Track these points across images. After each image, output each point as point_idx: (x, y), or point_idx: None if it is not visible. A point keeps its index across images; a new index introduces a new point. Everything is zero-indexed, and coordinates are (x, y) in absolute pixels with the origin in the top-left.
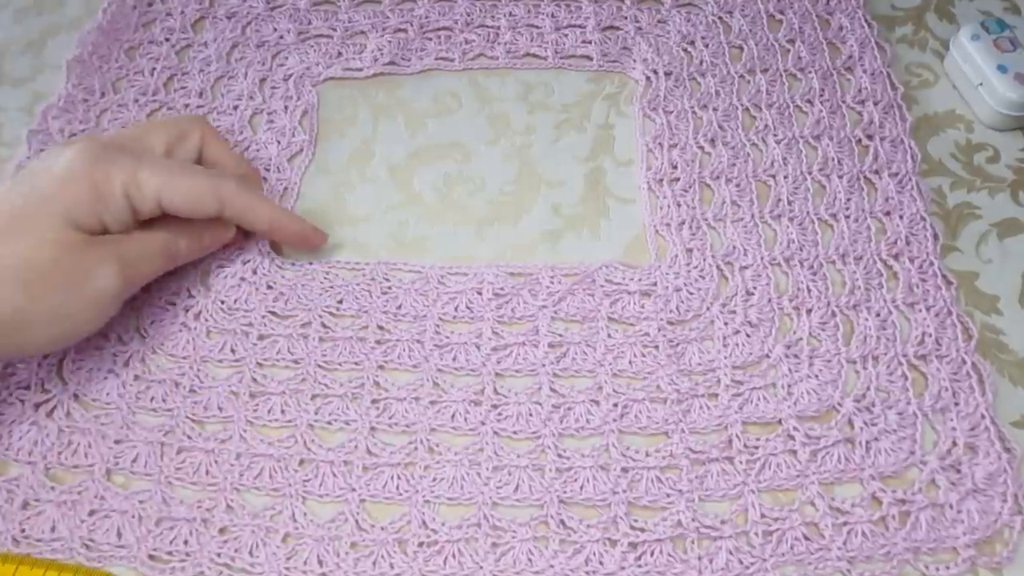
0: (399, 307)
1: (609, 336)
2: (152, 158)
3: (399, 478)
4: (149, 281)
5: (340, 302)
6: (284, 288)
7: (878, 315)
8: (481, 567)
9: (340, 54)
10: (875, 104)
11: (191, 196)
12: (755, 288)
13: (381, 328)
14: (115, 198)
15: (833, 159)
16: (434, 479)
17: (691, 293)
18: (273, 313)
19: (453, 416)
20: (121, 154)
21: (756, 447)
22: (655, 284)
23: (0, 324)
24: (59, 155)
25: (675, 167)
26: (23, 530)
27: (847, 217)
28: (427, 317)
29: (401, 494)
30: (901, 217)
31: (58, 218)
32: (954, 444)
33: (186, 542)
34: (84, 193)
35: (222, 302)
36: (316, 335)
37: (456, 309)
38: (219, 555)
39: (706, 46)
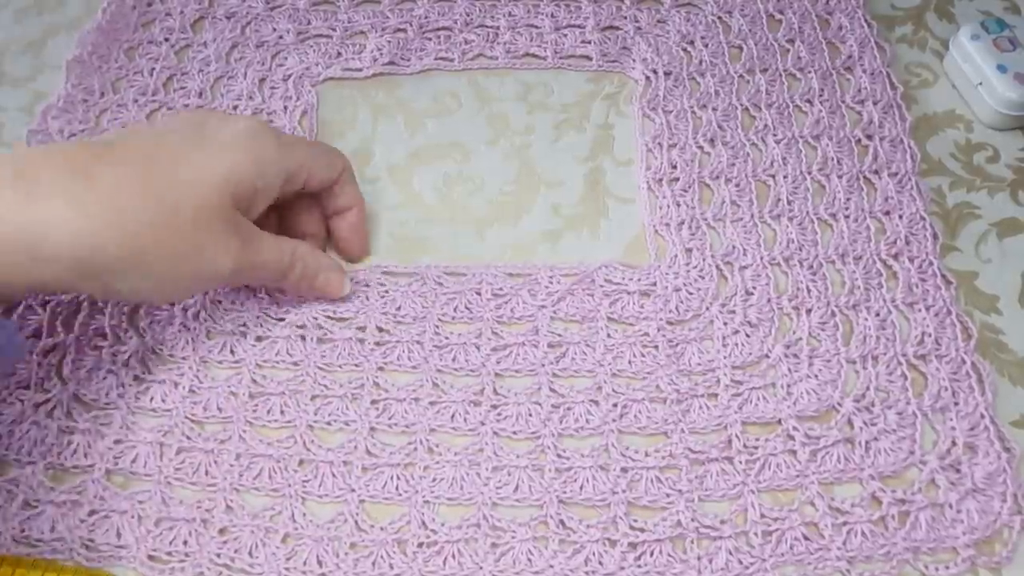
0: (398, 308)
1: (608, 336)
2: (294, 141)
3: (399, 478)
4: (252, 284)
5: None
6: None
7: (878, 315)
8: (481, 567)
9: (339, 54)
10: (875, 104)
11: (326, 161)
12: (755, 288)
13: (381, 330)
14: (272, 166)
15: (833, 159)
16: (434, 479)
17: (691, 293)
18: (267, 315)
19: (453, 416)
20: (276, 132)
21: (756, 447)
22: (654, 284)
23: (113, 263)
24: (224, 126)
25: (675, 167)
26: (23, 530)
27: (847, 217)
28: (426, 318)
29: (401, 494)
30: (901, 217)
31: (219, 180)
32: (954, 444)
33: (185, 542)
34: (248, 164)
35: (219, 302)
36: (314, 336)
37: (455, 310)
38: (219, 555)
39: (706, 46)
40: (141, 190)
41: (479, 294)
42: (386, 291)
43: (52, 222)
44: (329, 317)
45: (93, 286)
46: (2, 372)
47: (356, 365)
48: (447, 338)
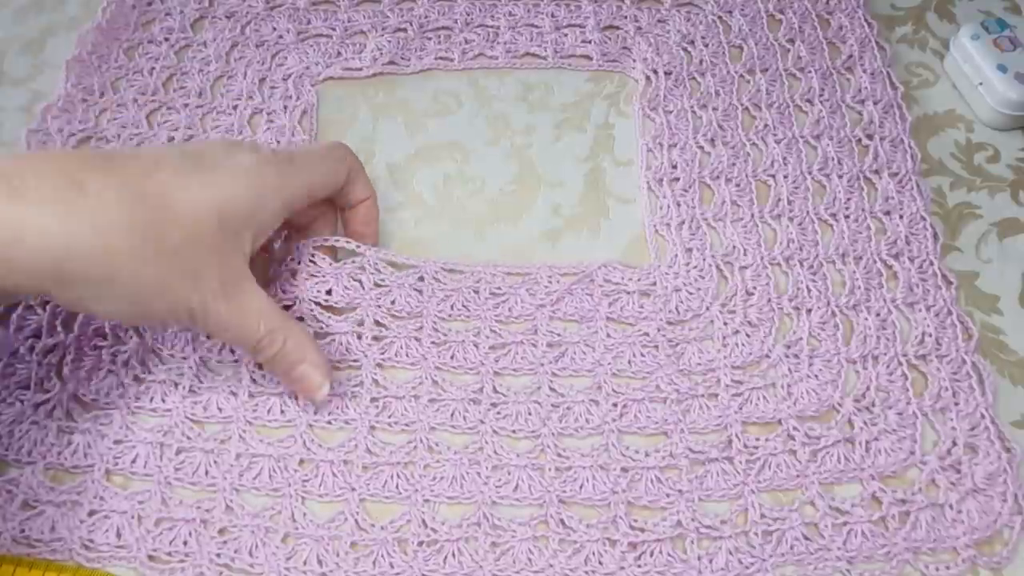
0: (393, 302)
1: (608, 336)
2: (297, 161)
3: (399, 477)
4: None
5: (329, 292)
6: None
7: (878, 315)
8: (481, 566)
9: (339, 54)
10: (875, 104)
11: (331, 171)
12: (755, 288)
13: (378, 323)
14: (272, 200)
15: (833, 159)
16: (434, 478)
17: (691, 293)
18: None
19: (452, 415)
20: (277, 161)
21: (756, 447)
22: (654, 284)
23: (89, 278)
24: (226, 158)
25: (675, 167)
26: (23, 530)
27: (847, 217)
28: (423, 315)
29: (401, 493)
30: (901, 217)
31: (213, 214)
32: (954, 444)
33: (185, 542)
34: (246, 199)
35: None
36: (311, 331)
37: (452, 307)
38: (219, 555)
39: (706, 46)
40: (129, 209)
41: (477, 292)
42: (383, 282)
43: (30, 227)
44: (326, 308)
45: (67, 297)
46: None
47: (355, 361)
48: (445, 335)
